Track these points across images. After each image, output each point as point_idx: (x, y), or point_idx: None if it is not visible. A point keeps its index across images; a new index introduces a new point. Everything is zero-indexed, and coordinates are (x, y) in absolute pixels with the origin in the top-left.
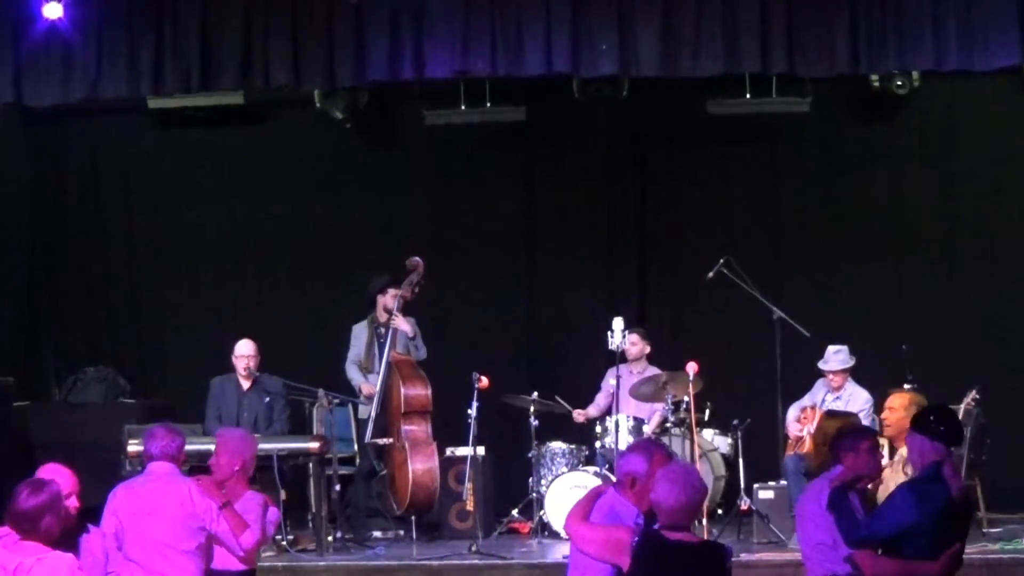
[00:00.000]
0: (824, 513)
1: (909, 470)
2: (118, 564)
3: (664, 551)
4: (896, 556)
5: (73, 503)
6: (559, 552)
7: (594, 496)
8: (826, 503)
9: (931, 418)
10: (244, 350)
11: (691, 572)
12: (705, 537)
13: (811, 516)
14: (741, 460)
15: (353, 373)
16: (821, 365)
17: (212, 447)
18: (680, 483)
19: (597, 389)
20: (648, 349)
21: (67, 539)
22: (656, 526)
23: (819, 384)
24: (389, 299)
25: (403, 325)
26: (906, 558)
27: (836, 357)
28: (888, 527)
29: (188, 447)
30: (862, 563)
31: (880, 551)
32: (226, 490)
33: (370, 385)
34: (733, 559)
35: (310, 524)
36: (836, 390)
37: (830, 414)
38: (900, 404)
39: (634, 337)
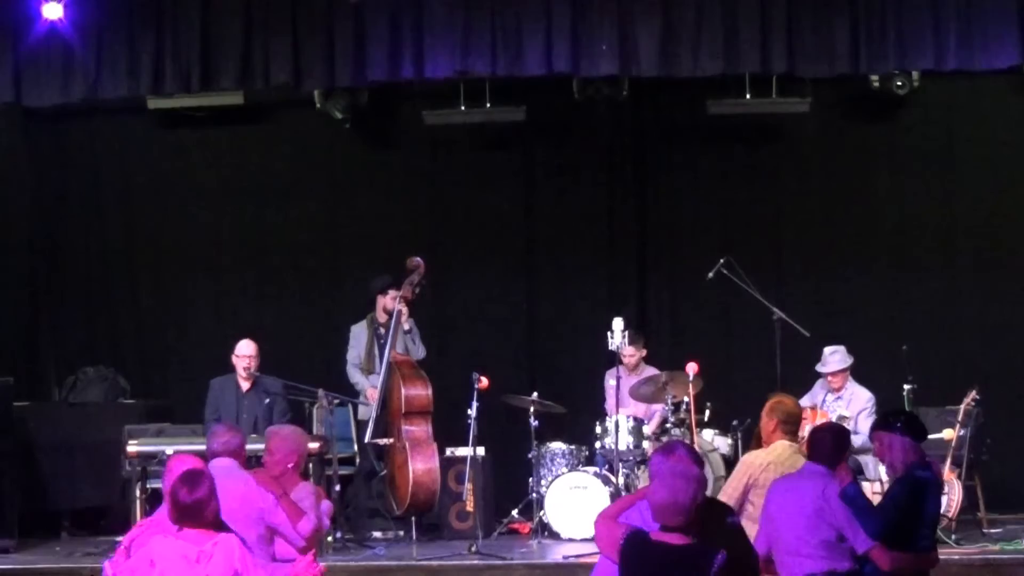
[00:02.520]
0: (831, 509)
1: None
2: None
3: (644, 551)
4: (907, 546)
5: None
6: (559, 552)
7: (637, 497)
8: (845, 497)
9: (903, 420)
10: (244, 350)
11: (668, 574)
12: None
13: (817, 512)
14: None
15: (356, 376)
16: (819, 368)
17: None
18: (665, 482)
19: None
20: (644, 352)
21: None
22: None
23: (819, 385)
24: (389, 300)
25: (405, 323)
26: (918, 548)
27: (833, 358)
28: (912, 517)
29: (187, 448)
30: (880, 559)
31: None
32: (281, 484)
33: (374, 389)
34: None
35: None
36: (836, 391)
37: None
38: (764, 410)
39: (630, 349)
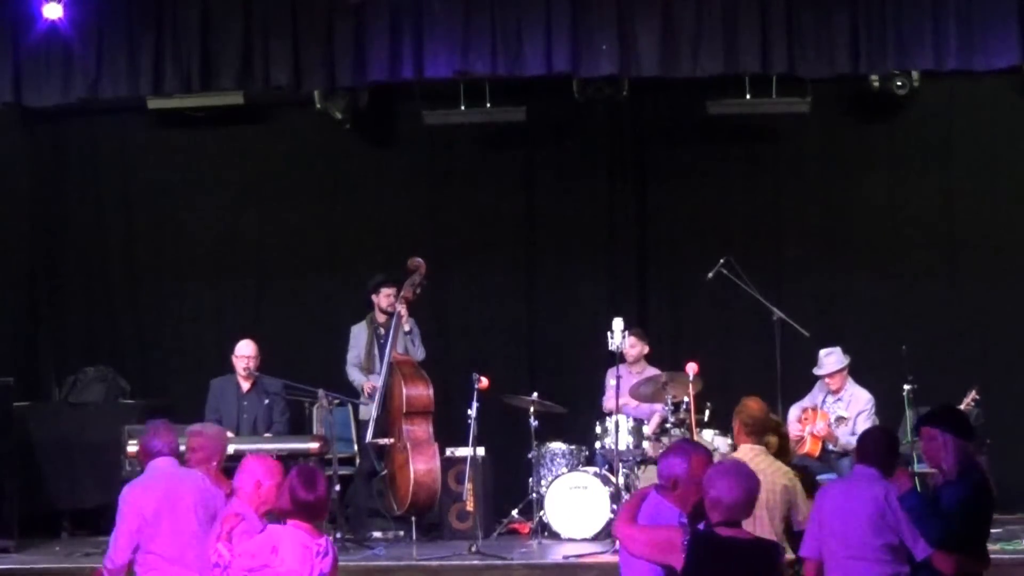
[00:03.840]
0: (892, 512)
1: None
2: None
3: (718, 549)
4: (966, 550)
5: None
6: (559, 552)
7: (640, 498)
8: (904, 504)
9: (951, 418)
10: (244, 350)
11: (746, 570)
12: None
13: (880, 515)
14: None
15: (355, 375)
16: (817, 371)
17: None
18: (736, 478)
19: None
20: (647, 349)
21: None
22: (702, 525)
23: (818, 386)
24: (383, 298)
25: (405, 323)
26: (977, 547)
27: (829, 360)
28: (979, 520)
29: None
30: (943, 565)
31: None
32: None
33: (371, 382)
34: None
35: None
36: (836, 392)
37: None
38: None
39: (632, 339)
